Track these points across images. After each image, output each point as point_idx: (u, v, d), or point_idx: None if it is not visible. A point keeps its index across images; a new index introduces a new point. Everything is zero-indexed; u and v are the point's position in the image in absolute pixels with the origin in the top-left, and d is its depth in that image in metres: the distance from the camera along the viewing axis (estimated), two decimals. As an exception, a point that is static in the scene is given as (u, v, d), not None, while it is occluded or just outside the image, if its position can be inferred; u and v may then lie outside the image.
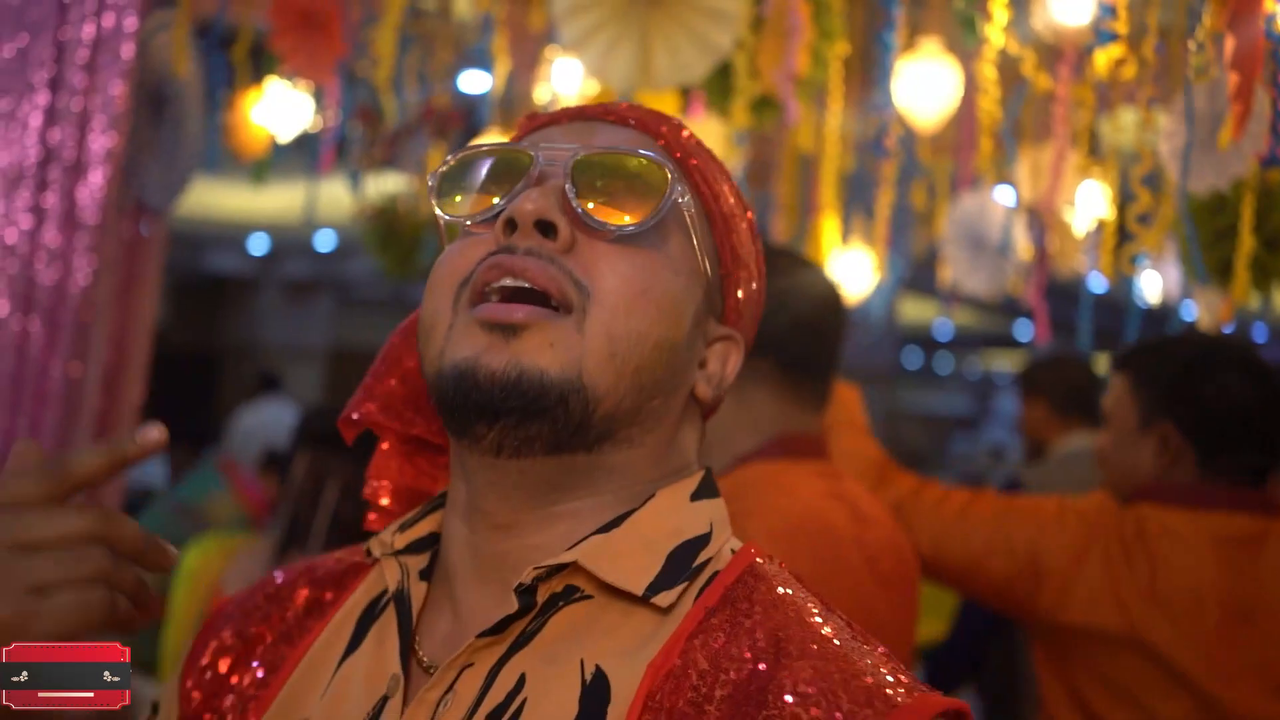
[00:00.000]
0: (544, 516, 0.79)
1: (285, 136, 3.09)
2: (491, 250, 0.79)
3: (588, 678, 0.74)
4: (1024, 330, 12.26)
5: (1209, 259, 2.76)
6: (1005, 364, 15.43)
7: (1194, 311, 3.50)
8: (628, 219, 0.80)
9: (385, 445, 0.94)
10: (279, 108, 3.04)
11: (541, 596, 0.77)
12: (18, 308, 2.70)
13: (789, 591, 0.78)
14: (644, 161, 0.82)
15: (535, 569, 0.77)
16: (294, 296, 11.22)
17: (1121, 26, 1.88)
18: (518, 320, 0.76)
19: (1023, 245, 3.19)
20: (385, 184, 3.27)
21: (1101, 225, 2.99)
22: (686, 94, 2.57)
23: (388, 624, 0.83)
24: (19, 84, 2.72)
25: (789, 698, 0.70)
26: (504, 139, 0.89)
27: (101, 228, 2.69)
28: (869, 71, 3.33)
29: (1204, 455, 2.04)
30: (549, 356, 0.75)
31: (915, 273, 3.82)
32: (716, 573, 0.79)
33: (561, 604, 0.77)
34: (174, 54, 2.65)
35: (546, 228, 0.79)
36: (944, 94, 2.54)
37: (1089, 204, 2.90)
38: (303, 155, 3.54)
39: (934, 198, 3.62)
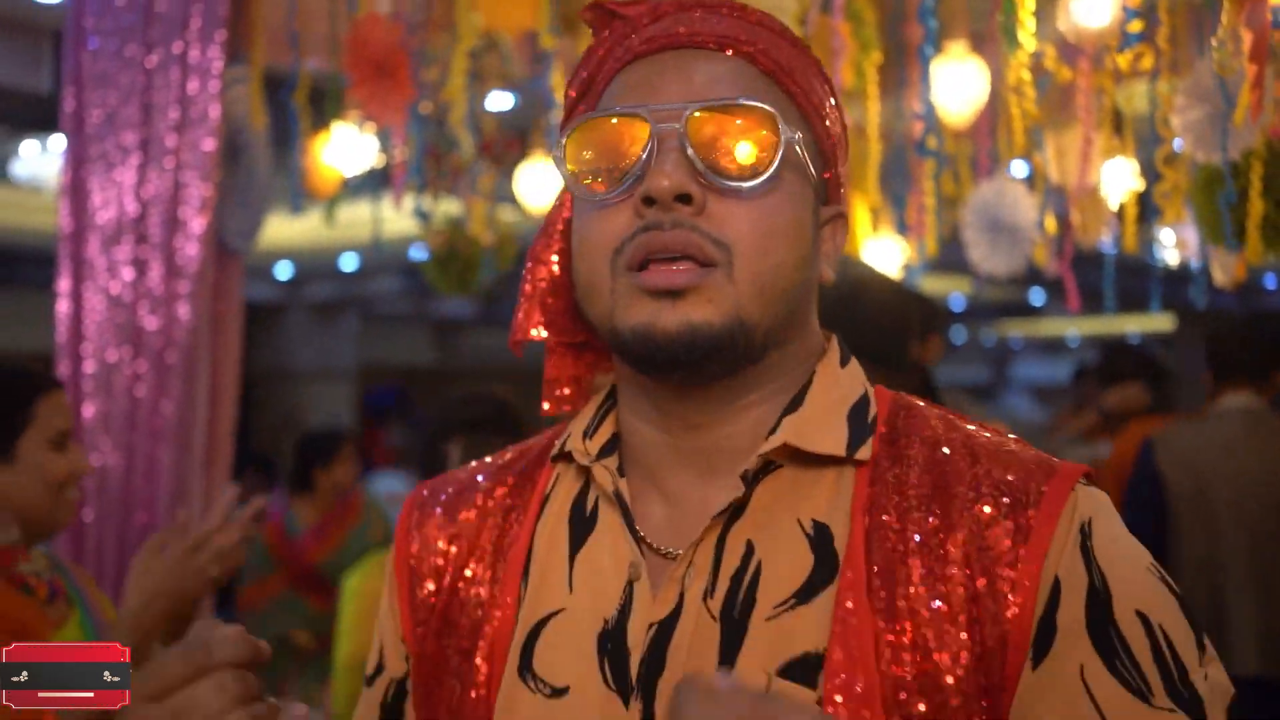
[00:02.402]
0: (730, 413, 0.93)
1: (353, 174, 3.31)
2: (637, 225, 0.88)
3: (810, 531, 0.88)
4: (1037, 297, 12.45)
5: (1217, 225, 2.96)
6: (1020, 331, 15.60)
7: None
8: (748, 173, 0.88)
9: (553, 348, 1.07)
10: (346, 149, 3.25)
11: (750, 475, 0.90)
12: (127, 353, 2.91)
13: (931, 413, 0.97)
14: (753, 110, 0.89)
15: (760, 455, 0.89)
16: (320, 318, 11.43)
17: (1139, 25, 2.07)
18: (679, 284, 0.86)
19: (1048, 220, 3.39)
20: (445, 208, 3.48)
21: (1124, 202, 3.19)
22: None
23: (608, 517, 0.94)
24: (110, 146, 2.93)
25: (967, 488, 0.88)
26: (609, 106, 0.93)
27: (201, 273, 2.89)
28: (892, 69, 3.54)
29: None
30: (711, 309, 0.86)
31: (943, 252, 4.02)
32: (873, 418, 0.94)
33: (761, 477, 0.90)
34: (251, 108, 2.85)
35: (684, 198, 0.87)
36: (973, 91, 2.74)
37: (1116, 180, 3.10)
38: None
39: (958, 182, 3.82)
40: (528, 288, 1.04)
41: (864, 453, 0.91)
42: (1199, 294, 3.30)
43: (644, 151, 0.88)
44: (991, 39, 3.20)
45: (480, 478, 1.05)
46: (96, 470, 2.85)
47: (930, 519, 0.87)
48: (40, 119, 4.68)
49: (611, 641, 0.90)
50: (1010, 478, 0.88)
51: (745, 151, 0.88)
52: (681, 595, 0.89)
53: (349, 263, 9.85)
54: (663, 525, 0.93)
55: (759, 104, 0.89)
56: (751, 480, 0.90)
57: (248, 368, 3.32)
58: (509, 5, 2.75)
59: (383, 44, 2.88)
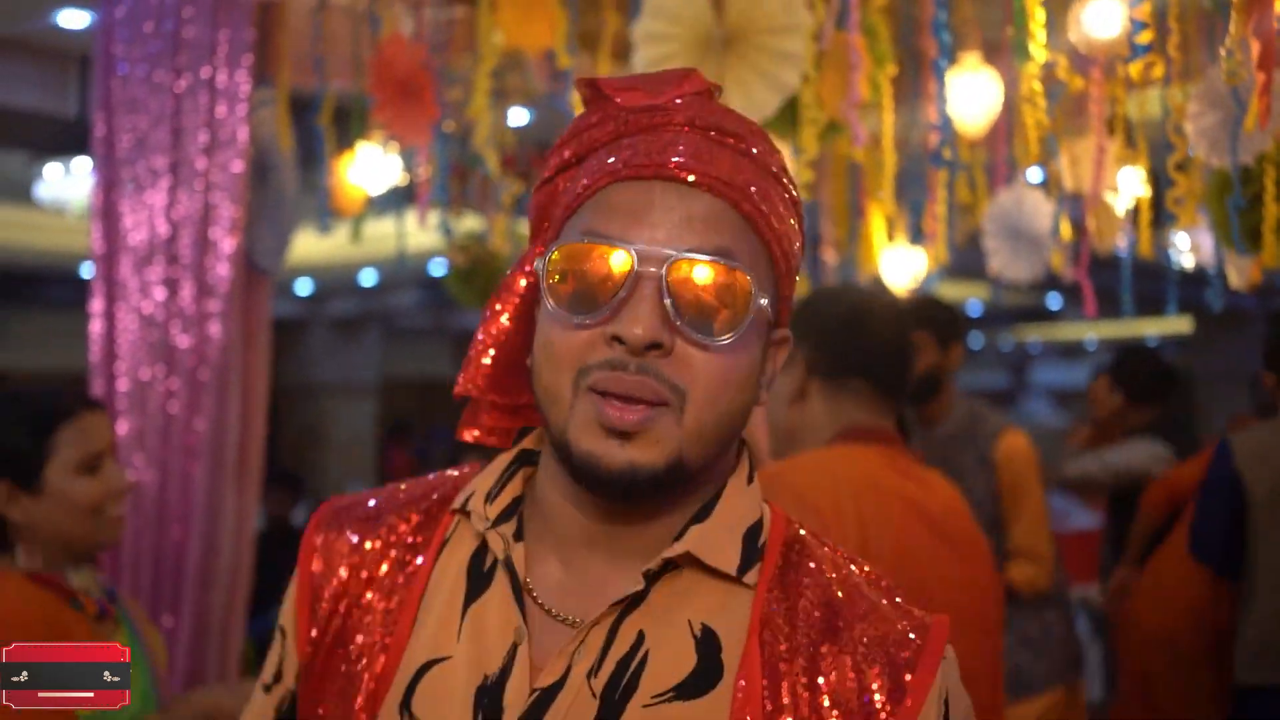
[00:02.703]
0: (647, 522, 0.99)
1: (377, 193, 3.38)
2: (604, 357, 0.92)
3: (697, 632, 0.95)
4: (1055, 302, 12.46)
5: (1229, 229, 3.00)
6: (1038, 336, 15.59)
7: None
8: (717, 330, 0.92)
9: (480, 407, 1.12)
10: (370, 168, 3.32)
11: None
12: (160, 371, 2.98)
13: (821, 551, 1.03)
14: (733, 273, 0.93)
15: (663, 558, 0.95)
16: (342, 333, 11.52)
17: (1149, 35, 2.12)
18: (629, 428, 0.91)
19: (1064, 227, 3.43)
20: (467, 223, 3.54)
21: (1138, 207, 3.23)
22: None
23: (502, 580, 0.99)
24: (141, 169, 3.00)
25: (846, 637, 0.96)
26: (605, 234, 0.95)
27: (231, 292, 2.96)
28: (905, 79, 3.58)
29: None
30: (655, 452, 0.92)
31: (954, 258, 4.07)
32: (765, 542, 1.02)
33: (662, 576, 0.97)
34: (279, 131, 2.91)
35: (655, 347, 0.91)
36: (987, 102, 2.79)
37: (1128, 187, 3.14)
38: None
39: (974, 189, 3.86)
40: (478, 344, 1.08)
41: (750, 577, 0.98)
42: (1215, 297, 3.33)
43: (622, 289, 0.92)
44: (1005, 48, 3.25)
45: (388, 508, 1.09)
46: (135, 486, 2.91)
47: (818, 660, 0.95)
48: (66, 143, 4.76)
49: (489, 697, 0.95)
50: (891, 639, 0.96)
51: (718, 311, 0.93)
52: (569, 669, 0.95)
53: (369, 278, 9.93)
54: (556, 589, 0.99)
55: (740, 269, 0.94)
56: (652, 576, 0.97)
57: (273, 383, 3.38)
58: (529, 24, 2.80)
59: (406, 65, 2.94)
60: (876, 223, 3.84)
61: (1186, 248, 3.80)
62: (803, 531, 1.04)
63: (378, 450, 11.81)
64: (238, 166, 2.90)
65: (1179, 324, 12.58)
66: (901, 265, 3.98)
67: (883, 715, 0.93)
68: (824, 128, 2.53)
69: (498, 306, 1.08)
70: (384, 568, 1.05)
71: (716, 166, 0.96)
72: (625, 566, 0.98)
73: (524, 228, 3.85)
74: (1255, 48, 2.01)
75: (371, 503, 1.10)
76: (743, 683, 0.93)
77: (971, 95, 2.76)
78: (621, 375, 0.91)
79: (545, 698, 0.94)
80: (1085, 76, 2.58)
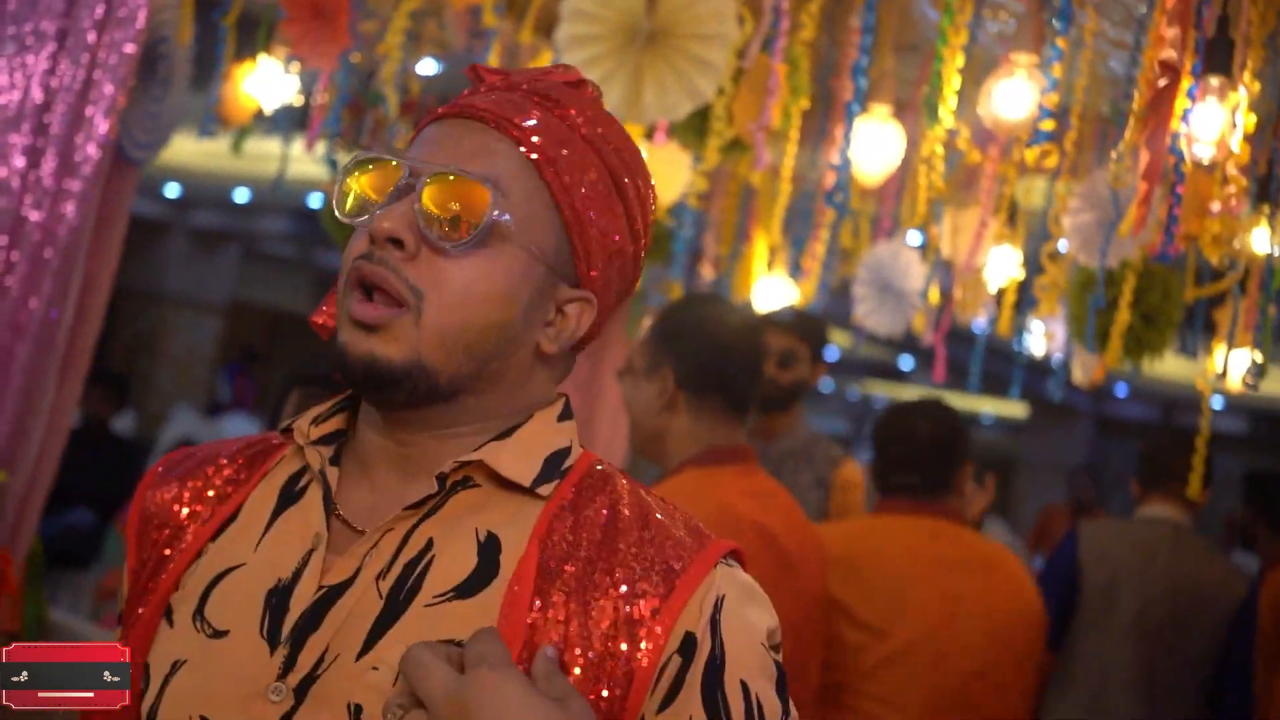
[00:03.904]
0: (432, 439, 1.05)
1: (270, 108, 3.28)
2: (361, 252, 1.02)
3: (482, 538, 1.00)
4: (906, 363, 12.81)
5: (1084, 325, 3.14)
6: (885, 392, 16.03)
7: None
8: (455, 236, 1.00)
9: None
10: (269, 82, 3.22)
11: (450, 482, 1.03)
12: (3, 242, 2.83)
13: (621, 482, 1.08)
14: (474, 184, 1.00)
15: (455, 462, 1.01)
16: (200, 245, 11.16)
17: (1052, 124, 2.20)
18: (369, 320, 0.99)
19: (932, 292, 3.53)
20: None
21: (1004, 288, 3.35)
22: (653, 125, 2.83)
23: (313, 493, 1.07)
24: (28, 29, 2.85)
25: (624, 549, 1.01)
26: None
27: (95, 175, 2.83)
28: (813, 118, 3.64)
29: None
30: (393, 348, 0.99)
31: (828, 303, 4.15)
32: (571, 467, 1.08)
33: (459, 489, 1.02)
34: (180, 21, 2.80)
35: (397, 243, 1.00)
36: (888, 154, 2.86)
37: (1001, 265, 3.25)
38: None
39: (856, 237, 3.95)
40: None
41: (545, 490, 1.04)
42: (1056, 387, 3.47)
43: (389, 196, 1.02)
44: (914, 109, 3.33)
45: (217, 455, 1.15)
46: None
47: (593, 570, 0.99)
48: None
49: (277, 598, 1.01)
50: (668, 548, 1.01)
51: (462, 214, 1.00)
52: (359, 570, 1.00)
53: (241, 196, 9.64)
54: (363, 509, 1.05)
55: (479, 178, 1.01)
56: (449, 489, 1.02)
57: (117, 282, 3.26)
58: (459, -24, 2.76)
59: (325, -14, 2.86)
60: (759, 249, 3.89)
61: (1040, 334, 3.95)
62: (603, 467, 1.09)
63: (212, 372, 11.45)
64: (129, 48, 2.78)
65: (1016, 408, 13.06)
66: (774, 295, 4.04)
67: (648, 613, 0.97)
68: (728, 144, 2.56)
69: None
70: (206, 495, 1.10)
71: (519, 115, 1.04)
72: (422, 482, 1.03)
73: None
74: (1144, 158, 2.10)
75: (203, 452, 1.16)
76: (515, 587, 0.97)
77: (875, 145, 2.82)
78: (365, 264, 1.00)
79: (331, 595, 0.99)
80: (984, 152, 2.66)
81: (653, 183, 1.13)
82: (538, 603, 0.96)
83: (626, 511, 1.03)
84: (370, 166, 1.05)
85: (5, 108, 2.85)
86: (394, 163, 1.03)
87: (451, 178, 1.00)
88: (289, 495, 1.07)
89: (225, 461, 1.13)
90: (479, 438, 1.04)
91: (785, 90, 2.47)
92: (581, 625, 0.96)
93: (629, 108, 2.48)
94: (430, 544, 1.00)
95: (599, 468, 1.08)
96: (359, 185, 1.05)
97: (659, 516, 1.04)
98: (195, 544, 1.06)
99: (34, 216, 2.82)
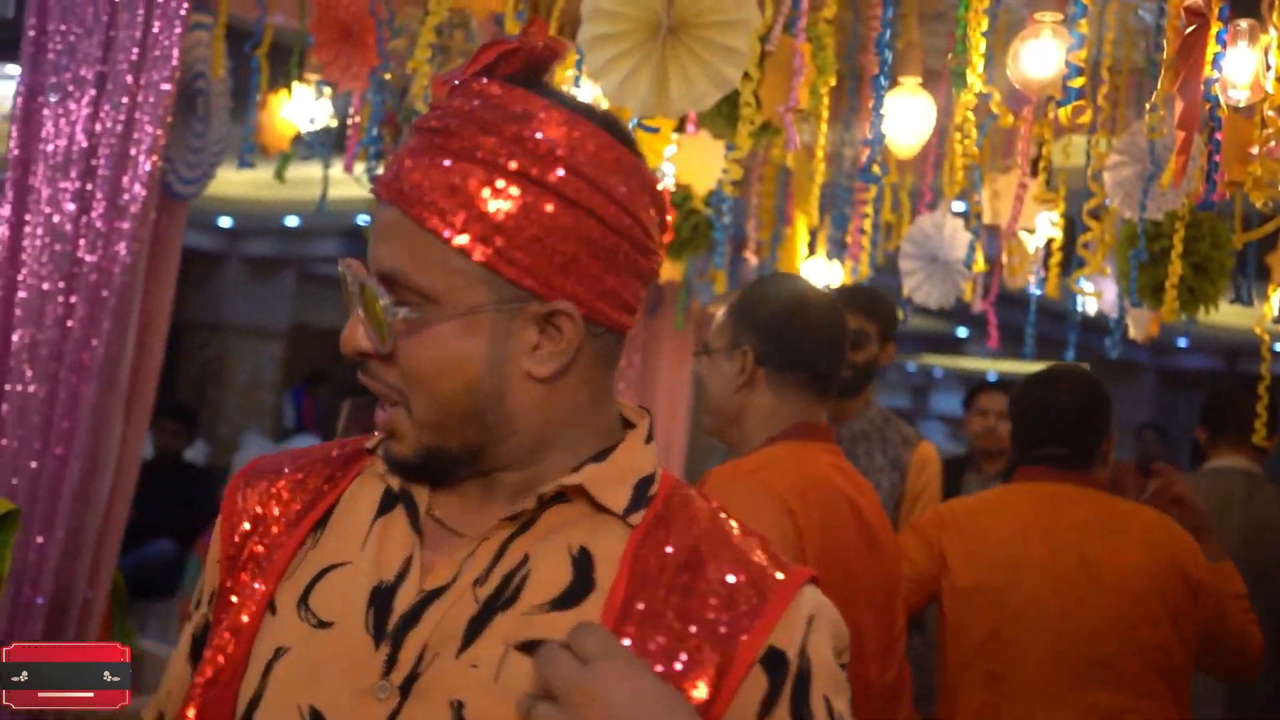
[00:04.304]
0: (505, 474, 1.08)
1: (308, 133, 3.33)
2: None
3: (575, 554, 1.03)
4: (961, 332, 12.68)
5: (1142, 281, 3.10)
6: (941, 363, 15.91)
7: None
8: (381, 338, 1.04)
9: None
10: (304, 108, 3.27)
11: (545, 498, 1.07)
12: (62, 285, 2.91)
13: (699, 504, 1.12)
14: (371, 292, 1.03)
15: (558, 485, 1.04)
16: (257, 273, 11.33)
17: (1082, 81, 2.18)
18: (386, 429, 1.07)
19: (978, 260, 3.51)
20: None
21: (1050, 248, 3.32)
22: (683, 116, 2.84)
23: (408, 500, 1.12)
24: (68, 78, 2.92)
25: (711, 570, 1.04)
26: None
27: (144, 214, 2.90)
28: (841, 95, 3.64)
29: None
30: (403, 446, 1.06)
31: (874, 279, 4.14)
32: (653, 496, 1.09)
33: (553, 503, 1.06)
34: (213, 57, 2.86)
35: (361, 354, 1.06)
36: (921, 126, 2.85)
37: (1043, 228, 3.23)
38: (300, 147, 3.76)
39: (897, 212, 3.94)
40: None
41: (635, 519, 1.07)
42: (1113, 345, 3.44)
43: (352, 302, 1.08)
44: (943, 78, 3.32)
45: (309, 456, 1.20)
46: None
47: (684, 586, 1.03)
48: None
49: (381, 598, 1.04)
50: (755, 571, 1.06)
51: (376, 321, 1.04)
52: (457, 576, 1.04)
53: (291, 221, 9.79)
54: (454, 513, 1.09)
55: (371, 286, 1.03)
56: (545, 504, 1.06)
57: (179, 315, 3.33)
58: (479, -14, 2.79)
59: (351, 8, 2.91)
60: (800, 231, 3.89)
61: (1091, 293, 3.91)
62: (684, 490, 1.13)
63: (277, 397, 11.62)
64: (166, 87, 2.85)
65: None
66: (820, 278, 4.03)
67: (744, 624, 1.02)
68: (759, 128, 2.56)
69: None
70: (299, 495, 1.15)
71: (406, 175, 1.03)
72: (507, 497, 1.08)
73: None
74: (1179, 107, 2.08)
75: (287, 458, 1.21)
76: (612, 605, 1.01)
77: (906, 117, 2.81)
78: (361, 376, 1.08)
79: (431, 597, 1.03)
80: (1016, 114, 2.64)
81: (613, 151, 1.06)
82: (635, 613, 1.01)
83: (711, 537, 1.08)
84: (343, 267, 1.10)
85: (53, 155, 2.93)
86: (345, 275, 1.07)
87: (364, 288, 1.04)
88: (388, 499, 1.11)
89: (318, 463, 1.17)
90: (565, 459, 1.08)
91: (811, 70, 2.46)
92: (670, 642, 1.00)
93: (656, 102, 2.49)
94: (526, 559, 1.04)
95: (679, 490, 1.12)
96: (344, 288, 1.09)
97: (737, 543, 1.08)
98: (292, 541, 1.11)
99: (89, 259, 2.90)
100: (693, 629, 1.01)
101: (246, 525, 1.14)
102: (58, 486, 2.93)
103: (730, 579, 1.04)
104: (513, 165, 1.01)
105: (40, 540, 2.94)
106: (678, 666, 0.99)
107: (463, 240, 1.01)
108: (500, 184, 1.01)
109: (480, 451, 1.06)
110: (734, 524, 1.11)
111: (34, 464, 2.92)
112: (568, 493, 1.06)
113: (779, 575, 1.06)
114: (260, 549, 1.12)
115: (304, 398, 11.34)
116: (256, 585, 1.09)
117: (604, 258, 1.05)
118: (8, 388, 2.94)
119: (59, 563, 2.94)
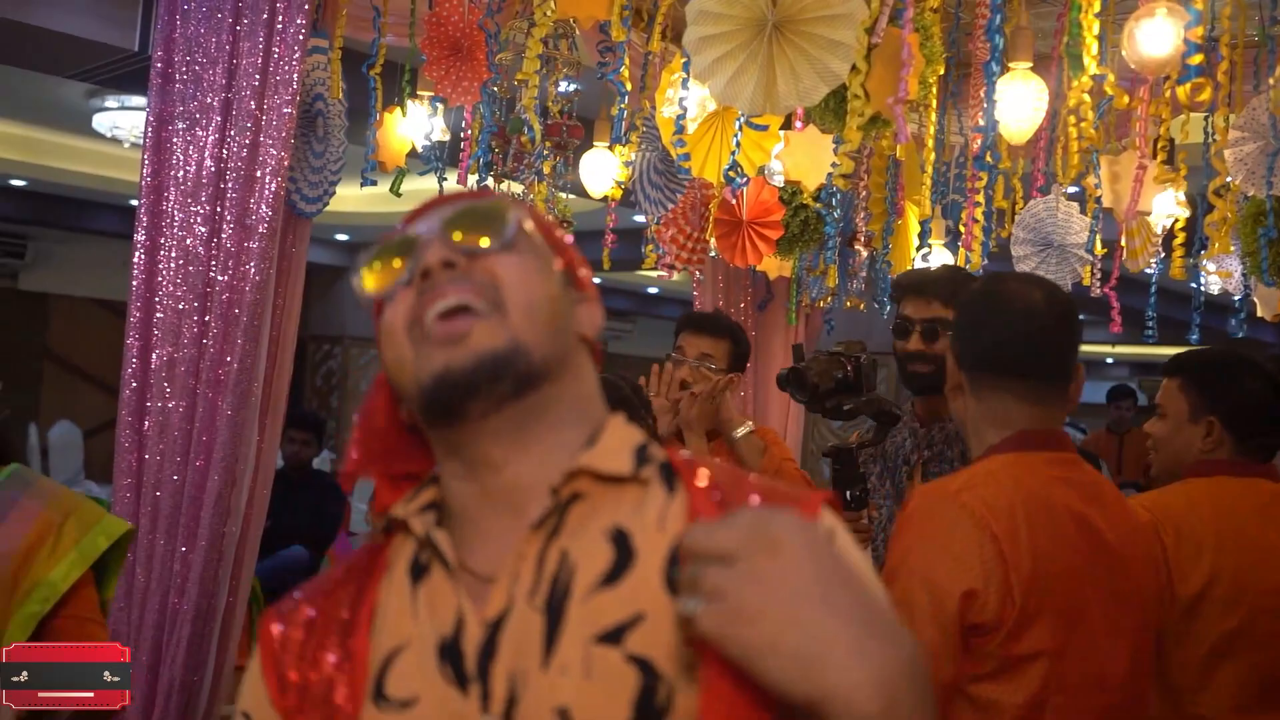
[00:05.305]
0: (527, 447, 1.08)
1: (423, 144, 3.43)
2: (420, 298, 1.08)
3: (611, 533, 1.04)
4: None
5: (1259, 259, 3.01)
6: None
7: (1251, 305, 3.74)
8: (493, 242, 1.08)
9: (377, 483, 1.23)
10: (419, 124, 3.37)
11: (565, 494, 1.06)
12: (196, 305, 3.04)
13: (709, 461, 1.13)
14: (487, 202, 1.12)
15: (563, 474, 1.05)
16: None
17: (1200, 58, 2.14)
18: (462, 331, 1.04)
19: (1097, 243, 3.45)
20: (509, 187, 3.60)
21: (1174, 230, 3.24)
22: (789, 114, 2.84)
23: (436, 562, 1.10)
24: (195, 106, 3.05)
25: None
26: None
27: (270, 233, 3.01)
28: (947, 82, 3.60)
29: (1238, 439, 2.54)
30: (492, 340, 1.04)
31: (988, 266, 4.08)
32: (663, 462, 1.11)
33: (571, 505, 1.05)
34: (331, 79, 2.95)
35: (448, 264, 1.07)
36: (1034, 110, 2.81)
37: (1165, 209, 3.16)
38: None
39: (1011, 197, 3.88)
40: (354, 428, 1.21)
41: (645, 473, 1.08)
42: (1238, 325, 3.34)
43: (414, 253, 1.09)
44: (1052, 61, 3.26)
45: (330, 581, 1.19)
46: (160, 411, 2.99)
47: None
48: (126, 75, 4.82)
49: (449, 650, 1.04)
50: (778, 495, 1.07)
51: (487, 229, 1.09)
52: (511, 598, 1.04)
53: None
54: (484, 559, 1.08)
55: (494, 198, 1.10)
56: (563, 506, 1.06)
57: (302, 328, 3.44)
58: (584, -4, 2.83)
59: (460, 25, 2.98)
60: (911, 222, 3.86)
61: (1215, 272, 3.80)
62: (686, 453, 1.14)
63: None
64: (288, 111, 2.95)
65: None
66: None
67: None
68: (868, 121, 2.56)
69: (368, 398, 1.21)
70: (334, 617, 1.14)
71: (479, 194, 1.20)
72: (524, 509, 1.07)
73: (562, 199, 3.90)
74: (1300, 79, 2.02)
75: (313, 584, 1.21)
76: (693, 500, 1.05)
77: (1019, 102, 2.78)
78: (431, 286, 1.06)
79: (496, 626, 1.03)
80: (1131, 94, 2.59)
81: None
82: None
83: (730, 488, 1.08)
84: (384, 251, 1.12)
85: (183, 181, 3.06)
86: (409, 233, 1.11)
87: (465, 207, 1.11)
88: (418, 571, 1.11)
89: (341, 580, 1.18)
90: (559, 447, 1.09)
91: (920, 59, 2.45)
92: None
93: (764, 99, 2.51)
94: (565, 555, 1.04)
95: (680, 456, 1.13)
96: (383, 270, 1.11)
97: (754, 484, 1.09)
98: (359, 654, 1.10)
99: (221, 278, 3.02)
100: None
101: (293, 672, 1.13)
102: (199, 498, 3.05)
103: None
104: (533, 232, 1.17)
105: (184, 550, 3.07)
106: None
107: (523, 216, 1.13)
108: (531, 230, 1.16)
109: (543, 379, 1.07)
110: (751, 477, 1.12)
111: (176, 477, 3.05)
112: (578, 489, 1.07)
113: (795, 503, 1.04)
114: (319, 663, 1.12)
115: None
116: (339, 703, 1.08)
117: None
118: (149, 404, 3.09)
119: (202, 571, 3.06)
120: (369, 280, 1.12)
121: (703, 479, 1.09)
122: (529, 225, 1.14)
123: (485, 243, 1.08)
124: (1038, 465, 1.95)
